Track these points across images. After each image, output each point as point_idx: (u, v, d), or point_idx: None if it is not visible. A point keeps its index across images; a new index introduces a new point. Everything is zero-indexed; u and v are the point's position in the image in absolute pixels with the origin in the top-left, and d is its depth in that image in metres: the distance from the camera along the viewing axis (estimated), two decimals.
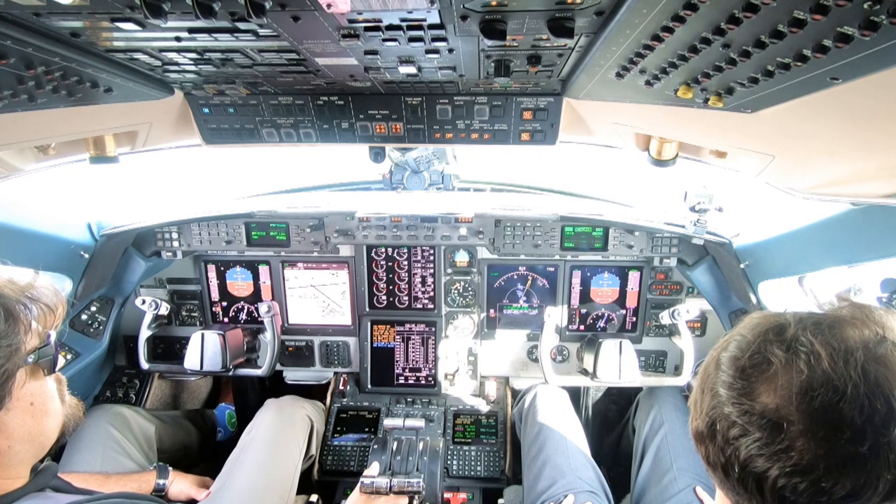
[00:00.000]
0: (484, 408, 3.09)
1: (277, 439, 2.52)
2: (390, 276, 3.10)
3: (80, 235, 2.56)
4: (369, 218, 2.79)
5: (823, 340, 0.82)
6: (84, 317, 2.78)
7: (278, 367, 3.16)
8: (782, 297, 2.32)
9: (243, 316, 3.18)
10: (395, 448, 2.26)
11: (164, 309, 2.90)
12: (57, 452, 2.36)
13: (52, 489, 1.24)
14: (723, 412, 0.89)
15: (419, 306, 3.14)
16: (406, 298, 3.14)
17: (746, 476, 0.85)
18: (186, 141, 2.09)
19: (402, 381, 3.18)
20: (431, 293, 3.11)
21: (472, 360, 3.17)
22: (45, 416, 1.18)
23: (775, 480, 0.81)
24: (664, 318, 2.85)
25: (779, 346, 0.86)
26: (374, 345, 3.16)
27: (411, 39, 1.17)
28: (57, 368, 1.22)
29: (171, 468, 2.40)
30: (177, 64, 1.41)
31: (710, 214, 2.26)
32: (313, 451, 2.80)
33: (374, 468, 2.14)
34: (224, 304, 3.16)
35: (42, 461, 1.23)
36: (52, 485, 1.25)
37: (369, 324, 3.14)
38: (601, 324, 3.10)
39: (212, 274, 3.11)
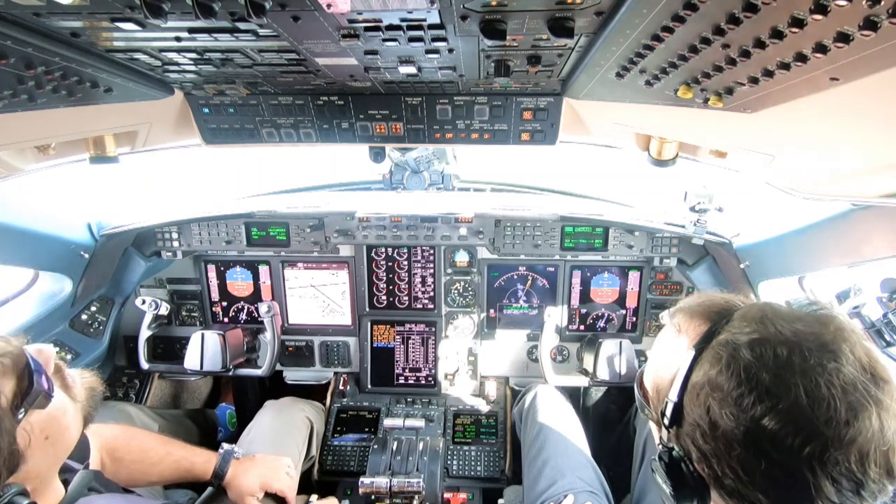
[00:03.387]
0: (484, 408, 3.09)
1: (277, 440, 2.51)
2: (390, 276, 3.10)
3: (80, 235, 2.56)
4: (369, 218, 2.79)
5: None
6: (84, 317, 2.78)
7: (278, 367, 3.16)
8: (782, 297, 2.32)
9: (243, 316, 3.18)
10: (395, 448, 2.26)
11: (164, 309, 2.90)
12: None
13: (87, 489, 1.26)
14: None
15: (419, 306, 3.14)
16: (406, 298, 3.13)
17: None
18: (186, 141, 2.08)
19: (402, 381, 3.18)
20: (431, 293, 3.11)
21: (472, 360, 3.17)
22: (63, 434, 1.17)
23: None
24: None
25: None
26: (374, 345, 3.16)
27: (411, 39, 1.17)
28: (52, 364, 1.17)
29: (240, 454, 2.09)
30: (177, 64, 1.41)
31: (710, 214, 2.27)
32: (313, 451, 2.80)
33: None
34: (224, 304, 3.16)
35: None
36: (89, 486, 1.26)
37: (369, 324, 3.14)
38: (601, 324, 3.09)
39: (212, 274, 3.11)
